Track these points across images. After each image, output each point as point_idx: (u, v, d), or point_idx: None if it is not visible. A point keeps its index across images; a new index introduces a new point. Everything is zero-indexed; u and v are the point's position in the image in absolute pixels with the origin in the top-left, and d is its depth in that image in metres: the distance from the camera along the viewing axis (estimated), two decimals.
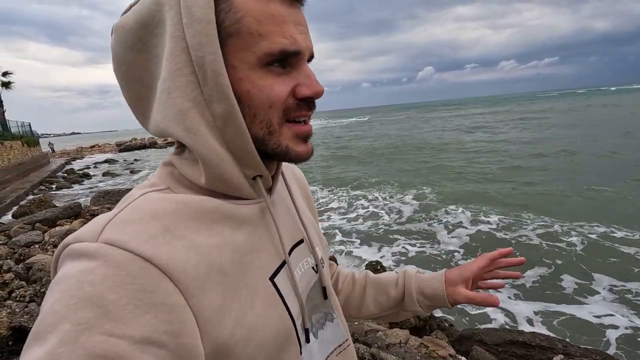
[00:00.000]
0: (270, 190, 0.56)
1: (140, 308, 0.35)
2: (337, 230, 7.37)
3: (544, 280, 4.84)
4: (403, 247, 6.33)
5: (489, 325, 3.91)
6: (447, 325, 3.74)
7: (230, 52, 0.44)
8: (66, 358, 0.31)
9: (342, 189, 10.57)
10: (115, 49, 0.47)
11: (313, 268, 0.61)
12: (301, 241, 0.61)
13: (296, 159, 0.50)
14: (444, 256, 5.85)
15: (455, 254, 5.87)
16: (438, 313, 4.09)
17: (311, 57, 0.50)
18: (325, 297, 0.62)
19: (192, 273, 0.40)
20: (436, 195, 8.94)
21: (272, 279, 0.50)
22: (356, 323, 3.07)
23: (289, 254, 0.56)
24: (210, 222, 0.45)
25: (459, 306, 4.15)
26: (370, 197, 9.31)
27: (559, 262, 5.30)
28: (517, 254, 0.74)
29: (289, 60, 0.46)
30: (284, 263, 0.52)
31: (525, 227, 6.58)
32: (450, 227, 6.85)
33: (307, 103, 0.48)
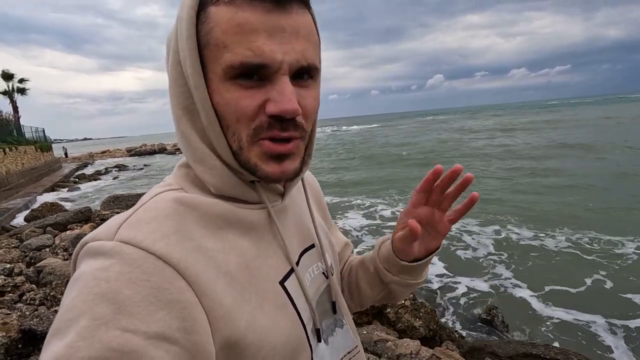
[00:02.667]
0: (282, 195, 0.55)
1: (155, 304, 0.36)
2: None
3: None
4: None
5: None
6: (457, 336, 3.66)
7: (207, 63, 0.44)
8: (84, 351, 0.32)
9: None
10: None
11: (323, 273, 0.60)
12: (312, 246, 0.60)
13: (264, 179, 0.47)
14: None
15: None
16: (449, 324, 4.01)
17: (307, 69, 0.44)
18: (334, 308, 0.60)
19: (203, 273, 0.41)
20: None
21: (282, 283, 0.50)
22: (364, 332, 3.02)
23: (300, 257, 0.56)
24: (215, 228, 0.46)
25: (470, 316, 3.94)
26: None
27: None
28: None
29: (259, 73, 0.42)
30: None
31: None
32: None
33: (280, 122, 0.43)
